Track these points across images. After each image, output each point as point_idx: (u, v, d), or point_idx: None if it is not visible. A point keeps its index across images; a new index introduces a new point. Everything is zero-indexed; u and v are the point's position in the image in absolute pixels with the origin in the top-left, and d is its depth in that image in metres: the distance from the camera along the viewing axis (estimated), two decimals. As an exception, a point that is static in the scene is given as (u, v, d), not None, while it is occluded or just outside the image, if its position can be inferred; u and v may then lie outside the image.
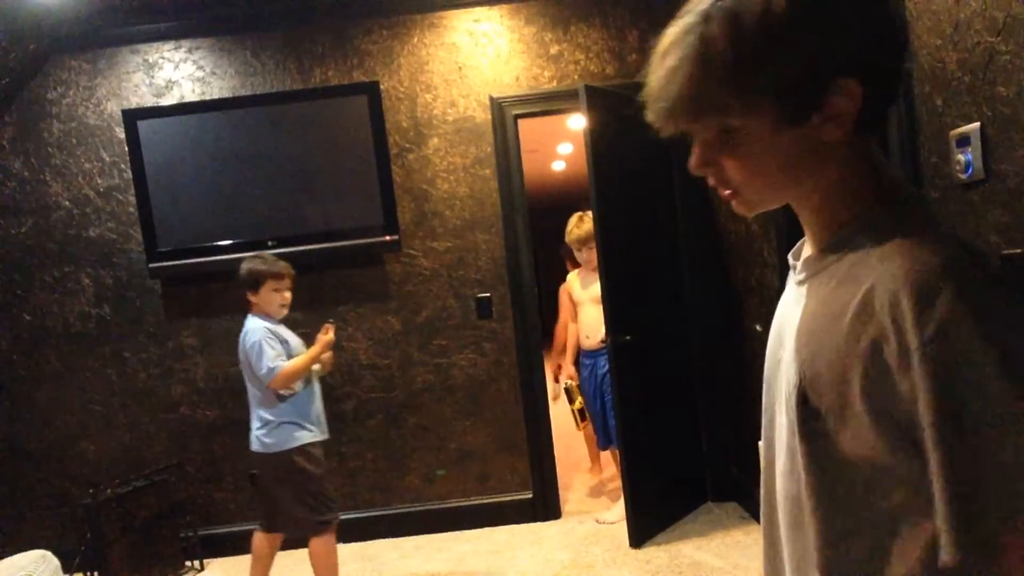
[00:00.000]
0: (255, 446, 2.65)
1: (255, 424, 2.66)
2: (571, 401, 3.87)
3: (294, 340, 2.74)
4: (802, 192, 0.78)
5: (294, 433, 2.63)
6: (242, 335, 2.66)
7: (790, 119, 0.69)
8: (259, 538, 2.81)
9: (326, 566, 2.70)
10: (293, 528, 2.74)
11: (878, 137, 0.74)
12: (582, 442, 4.24)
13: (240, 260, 3.32)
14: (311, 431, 2.68)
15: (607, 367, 3.41)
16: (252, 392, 2.67)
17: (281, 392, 2.62)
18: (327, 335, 2.78)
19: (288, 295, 2.73)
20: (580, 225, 3.52)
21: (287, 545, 3.63)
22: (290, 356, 2.65)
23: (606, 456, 3.93)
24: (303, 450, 2.64)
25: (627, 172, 3.27)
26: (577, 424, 3.94)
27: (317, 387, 2.77)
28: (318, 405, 2.75)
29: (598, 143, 3.09)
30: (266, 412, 2.63)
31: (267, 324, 2.65)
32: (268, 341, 2.60)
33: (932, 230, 0.67)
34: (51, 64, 3.55)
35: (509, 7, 3.57)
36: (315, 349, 2.73)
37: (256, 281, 2.67)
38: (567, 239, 3.62)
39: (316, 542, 2.68)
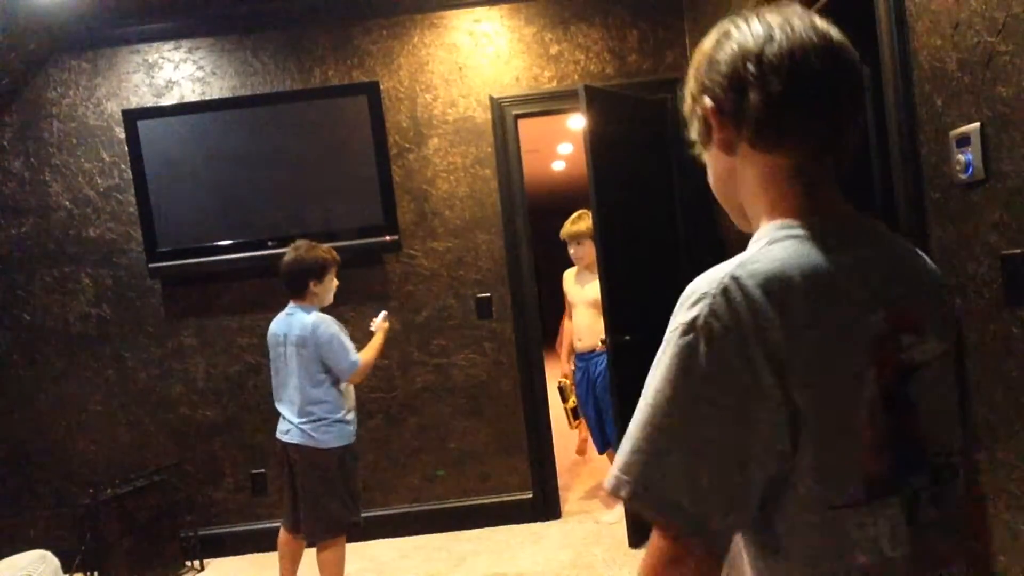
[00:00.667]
0: (299, 439, 2.55)
1: (302, 418, 2.55)
2: (564, 400, 3.87)
3: None
4: (737, 205, 0.82)
5: (346, 429, 2.60)
6: (302, 327, 2.56)
7: (703, 140, 0.80)
8: (285, 537, 2.73)
9: (339, 571, 2.63)
10: (317, 527, 2.61)
11: (834, 162, 0.78)
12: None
13: (240, 260, 3.35)
14: (354, 428, 2.66)
15: (599, 370, 3.41)
16: (301, 385, 2.56)
17: (339, 388, 2.59)
18: (386, 323, 2.82)
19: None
20: (576, 222, 3.52)
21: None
22: None
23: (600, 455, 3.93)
24: (351, 448, 2.63)
25: (627, 172, 3.26)
26: (570, 423, 3.94)
27: None
28: (353, 400, 2.74)
29: (598, 143, 3.09)
30: (319, 407, 2.55)
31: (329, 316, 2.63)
32: (344, 334, 2.58)
33: (778, 251, 0.70)
34: (51, 64, 3.55)
35: (509, 7, 3.57)
36: (381, 339, 2.74)
37: (323, 269, 2.62)
38: (561, 234, 3.62)
39: (332, 545, 2.60)
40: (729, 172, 0.79)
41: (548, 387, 3.71)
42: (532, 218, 3.71)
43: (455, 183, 3.59)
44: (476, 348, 3.60)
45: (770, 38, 0.73)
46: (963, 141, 1.59)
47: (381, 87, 3.51)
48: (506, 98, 3.56)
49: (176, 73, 3.57)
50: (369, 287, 3.60)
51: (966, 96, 1.58)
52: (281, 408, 2.64)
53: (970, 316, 1.64)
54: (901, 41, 1.77)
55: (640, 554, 2.92)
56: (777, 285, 0.66)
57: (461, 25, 3.57)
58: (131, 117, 3.44)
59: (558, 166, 8.58)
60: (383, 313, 2.88)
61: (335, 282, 2.71)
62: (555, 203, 11.22)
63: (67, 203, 3.58)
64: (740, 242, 0.79)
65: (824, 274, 0.69)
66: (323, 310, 2.68)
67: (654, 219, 3.49)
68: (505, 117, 3.57)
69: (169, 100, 3.56)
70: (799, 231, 0.72)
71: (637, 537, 3.14)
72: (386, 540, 3.57)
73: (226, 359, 3.60)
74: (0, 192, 3.57)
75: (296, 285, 2.62)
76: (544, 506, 3.62)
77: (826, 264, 0.69)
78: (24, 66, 3.47)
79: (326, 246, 2.69)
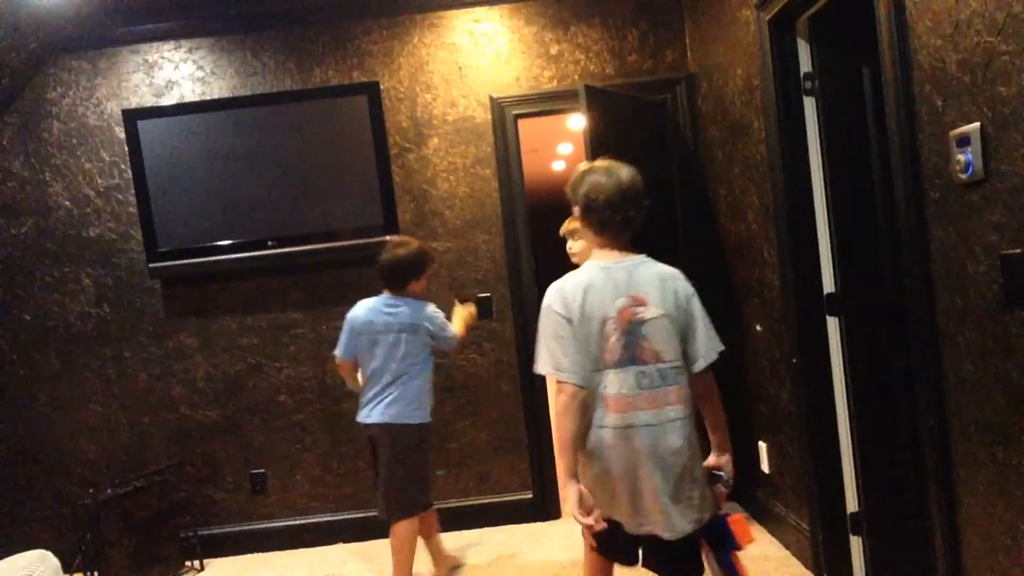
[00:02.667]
0: (399, 419, 2.72)
1: (404, 399, 2.74)
2: None
3: None
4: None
5: (431, 407, 2.85)
6: (412, 310, 2.76)
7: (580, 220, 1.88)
8: (406, 527, 2.81)
9: (411, 549, 2.82)
10: (396, 507, 2.77)
11: (619, 232, 1.82)
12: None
13: (240, 260, 3.36)
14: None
15: None
16: (407, 367, 2.75)
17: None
18: (471, 307, 3.03)
19: None
20: (573, 220, 3.52)
21: (292, 545, 3.64)
22: None
23: None
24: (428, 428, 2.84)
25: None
26: None
27: None
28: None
29: (598, 143, 3.09)
30: (420, 386, 2.79)
31: None
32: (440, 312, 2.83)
33: (581, 273, 1.80)
34: (51, 64, 3.55)
35: (509, 7, 3.57)
36: (467, 319, 2.97)
37: (428, 263, 2.84)
38: (561, 231, 3.62)
39: (409, 523, 2.79)
40: (585, 235, 1.94)
41: (548, 386, 3.71)
42: (532, 218, 3.71)
43: (455, 183, 3.59)
44: (476, 348, 3.60)
45: (594, 185, 1.77)
46: (963, 141, 1.59)
47: (381, 87, 3.51)
48: (506, 98, 3.56)
49: (176, 73, 3.57)
50: (369, 287, 3.59)
51: (966, 96, 1.58)
52: (376, 392, 2.76)
53: (970, 316, 1.64)
54: (901, 41, 1.77)
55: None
56: (574, 286, 1.75)
57: (461, 25, 3.57)
58: (131, 117, 3.44)
59: (558, 166, 8.57)
60: (465, 295, 3.22)
61: (424, 284, 2.90)
62: (555, 203, 11.23)
63: (67, 203, 3.58)
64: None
65: (595, 281, 1.75)
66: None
67: (654, 219, 3.48)
68: (505, 117, 3.57)
69: (169, 100, 3.56)
70: (597, 263, 1.80)
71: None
72: (386, 540, 3.56)
73: (226, 359, 3.60)
74: (0, 192, 3.57)
75: (401, 279, 2.79)
76: (544, 506, 3.62)
77: (597, 277, 1.75)
78: (24, 66, 3.47)
79: (421, 242, 2.89)
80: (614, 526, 1.74)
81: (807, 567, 2.73)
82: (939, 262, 1.74)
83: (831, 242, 2.50)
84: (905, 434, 2.44)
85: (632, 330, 1.71)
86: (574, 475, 1.70)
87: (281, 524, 3.60)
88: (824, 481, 2.57)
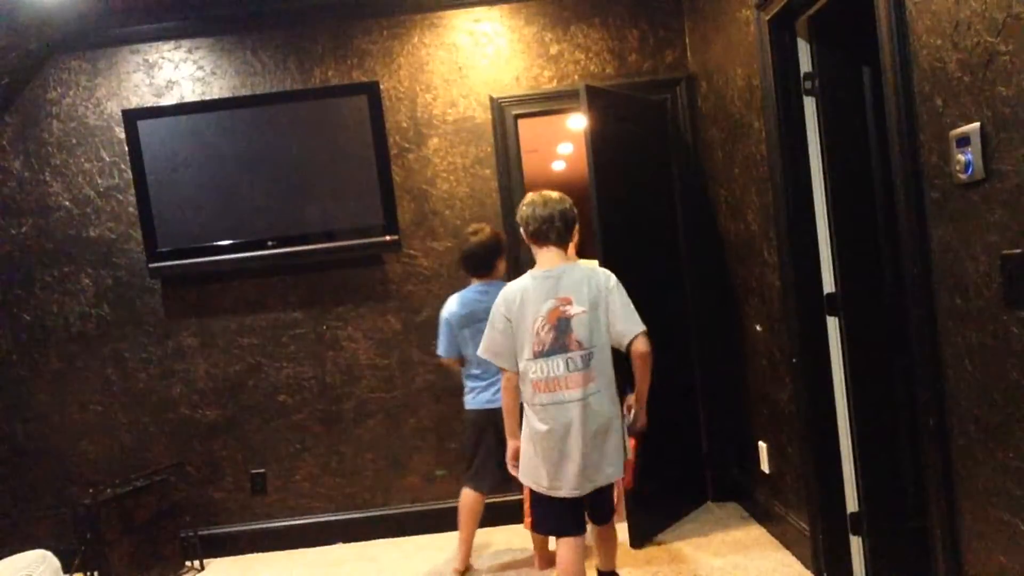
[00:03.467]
0: (495, 404, 2.82)
1: (489, 384, 2.90)
2: None
3: None
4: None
5: (481, 396, 2.96)
6: (489, 297, 2.78)
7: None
8: (473, 497, 3.01)
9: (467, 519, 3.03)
10: (497, 483, 2.95)
11: (559, 242, 2.26)
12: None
13: (240, 260, 3.38)
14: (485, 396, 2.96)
15: None
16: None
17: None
18: None
19: None
20: None
21: (292, 545, 3.64)
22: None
23: None
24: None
25: (627, 173, 3.27)
26: None
27: None
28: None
29: (598, 143, 3.09)
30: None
31: None
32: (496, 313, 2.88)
33: (522, 279, 2.28)
34: (51, 64, 3.55)
35: (509, 7, 3.57)
36: None
37: (503, 249, 3.00)
38: None
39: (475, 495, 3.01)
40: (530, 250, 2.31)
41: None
42: (532, 218, 3.71)
43: (455, 183, 3.59)
44: (476, 348, 3.60)
45: (526, 211, 2.25)
46: (963, 141, 1.59)
47: (381, 87, 3.51)
48: (506, 98, 3.56)
49: (176, 73, 3.57)
50: (369, 287, 3.60)
51: (966, 96, 1.58)
52: (486, 378, 2.92)
53: (970, 316, 1.64)
54: (901, 41, 1.77)
55: (640, 554, 2.91)
56: (513, 290, 2.24)
57: (461, 25, 3.57)
58: (131, 117, 3.44)
59: (558, 166, 8.57)
60: None
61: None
62: (555, 203, 11.22)
63: (67, 203, 3.58)
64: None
65: (529, 286, 2.21)
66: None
67: (654, 219, 3.49)
68: (505, 117, 3.57)
69: (169, 100, 3.56)
70: (531, 273, 2.25)
71: (637, 537, 3.13)
72: (386, 540, 3.57)
73: (226, 359, 3.60)
74: (0, 192, 3.57)
75: (487, 263, 2.95)
76: (544, 506, 3.61)
77: (531, 283, 2.22)
78: (24, 66, 3.47)
79: (492, 228, 3.03)
80: (546, 501, 2.23)
81: (807, 567, 2.73)
82: (939, 262, 1.74)
83: (831, 242, 2.50)
84: (905, 434, 2.44)
85: (560, 325, 2.15)
86: (514, 434, 2.30)
87: (281, 524, 3.60)
88: (824, 481, 2.57)
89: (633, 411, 2.27)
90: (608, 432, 2.18)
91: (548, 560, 2.89)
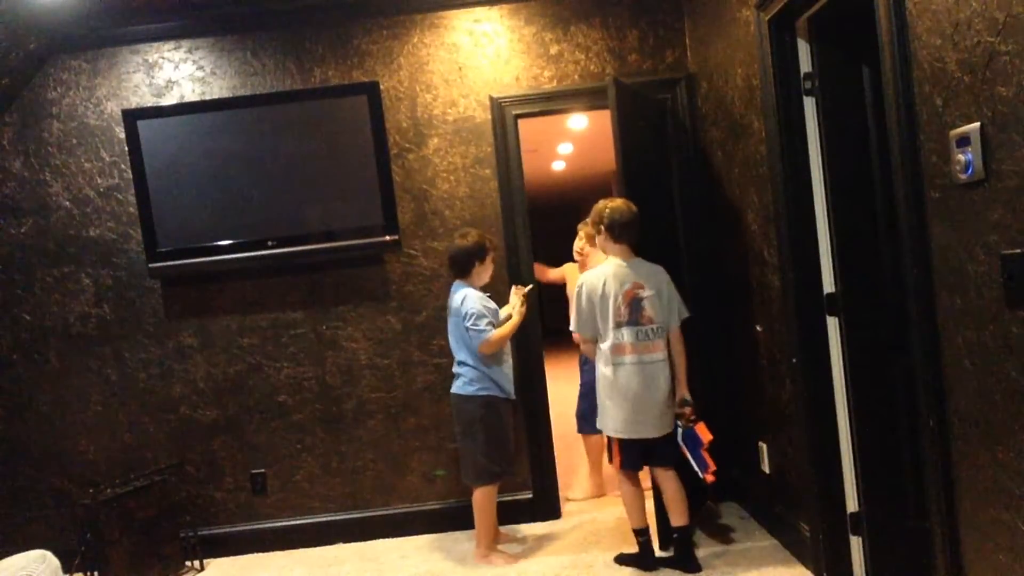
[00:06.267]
0: (453, 390, 3.13)
1: (456, 372, 3.13)
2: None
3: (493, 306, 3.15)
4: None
5: (487, 383, 3.08)
6: (458, 298, 3.09)
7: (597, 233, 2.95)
8: (488, 492, 3.13)
9: (490, 513, 3.15)
10: (463, 472, 3.20)
11: (630, 242, 2.87)
12: (582, 443, 4.21)
13: (240, 260, 3.39)
14: (501, 383, 3.11)
15: (589, 365, 3.46)
16: (455, 346, 3.14)
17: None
18: (522, 305, 3.22)
19: None
20: (587, 228, 3.53)
21: (292, 545, 3.64)
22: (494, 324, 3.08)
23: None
24: (493, 402, 3.08)
25: (644, 169, 3.27)
26: None
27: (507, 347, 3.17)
28: (505, 358, 3.18)
29: (626, 140, 3.06)
30: (460, 367, 3.11)
31: (479, 294, 3.12)
32: (485, 311, 3.05)
33: (604, 265, 2.88)
34: (51, 64, 3.55)
35: (509, 7, 3.57)
36: (517, 320, 3.16)
37: (484, 252, 3.14)
38: (584, 232, 3.65)
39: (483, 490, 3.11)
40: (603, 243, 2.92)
41: (548, 387, 3.71)
42: (532, 218, 3.71)
43: (455, 183, 3.59)
44: (476, 348, 3.60)
45: (617, 212, 2.82)
46: (963, 141, 1.59)
47: (381, 87, 3.51)
48: (506, 98, 3.56)
49: (176, 73, 3.57)
50: (369, 287, 3.60)
51: (966, 96, 1.58)
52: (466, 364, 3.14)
53: (970, 316, 1.64)
54: (901, 41, 1.77)
55: (640, 554, 2.86)
56: (596, 275, 2.84)
57: (461, 25, 3.58)
58: (131, 117, 3.44)
59: (558, 166, 8.57)
60: (522, 288, 3.29)
61: (493, 265, 3.23)
62: (555, 203, 11.22)
63: (67, 203, 3.58)
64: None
65: (611, 272, 2.82)
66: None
67: (654, 219, 3.48)
68: (505, 117, 3.57)
69: (169, 100, 3.56)
70: (611, 261, 2.86)
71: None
72: (386, 540, 3.57)
73: (226, 359, 3.60)
74: (0, 192, 3.57)
75: (461, 267, 3.14)
76: (544, 506, 3.62)
77: (612, 270, 2.82)
78: (24, 66, 3.47)
79: (479, 232, 3.21)
80: (628, 444, 2.83)
81: (807, 567, 2.73)
82: (939, 262, 1.74)
83: (831, 242, 2.50)
84: (905, 434, 2.44)
85: (634, 303, 2.77)
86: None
87: (281, 524, 3.60)
88: (824, 481, 2.57)
89: (681, 388, 2.87)
90: (666, 393, 2.79)
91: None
